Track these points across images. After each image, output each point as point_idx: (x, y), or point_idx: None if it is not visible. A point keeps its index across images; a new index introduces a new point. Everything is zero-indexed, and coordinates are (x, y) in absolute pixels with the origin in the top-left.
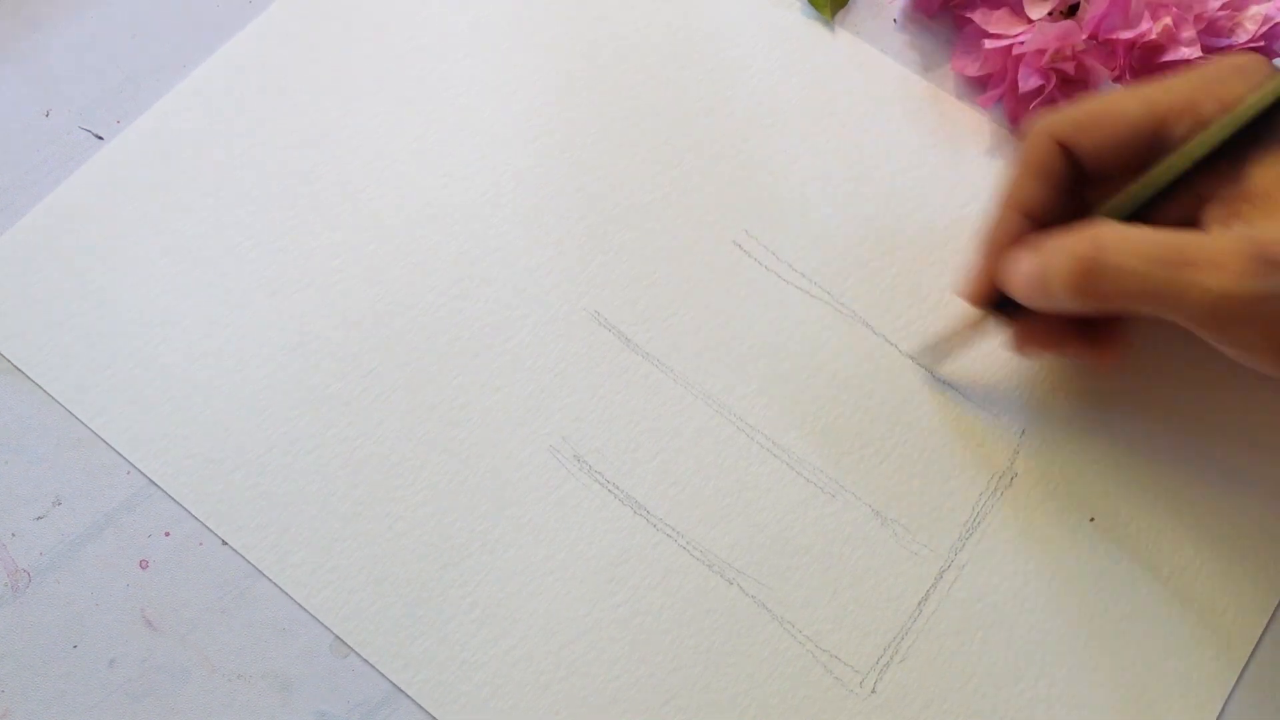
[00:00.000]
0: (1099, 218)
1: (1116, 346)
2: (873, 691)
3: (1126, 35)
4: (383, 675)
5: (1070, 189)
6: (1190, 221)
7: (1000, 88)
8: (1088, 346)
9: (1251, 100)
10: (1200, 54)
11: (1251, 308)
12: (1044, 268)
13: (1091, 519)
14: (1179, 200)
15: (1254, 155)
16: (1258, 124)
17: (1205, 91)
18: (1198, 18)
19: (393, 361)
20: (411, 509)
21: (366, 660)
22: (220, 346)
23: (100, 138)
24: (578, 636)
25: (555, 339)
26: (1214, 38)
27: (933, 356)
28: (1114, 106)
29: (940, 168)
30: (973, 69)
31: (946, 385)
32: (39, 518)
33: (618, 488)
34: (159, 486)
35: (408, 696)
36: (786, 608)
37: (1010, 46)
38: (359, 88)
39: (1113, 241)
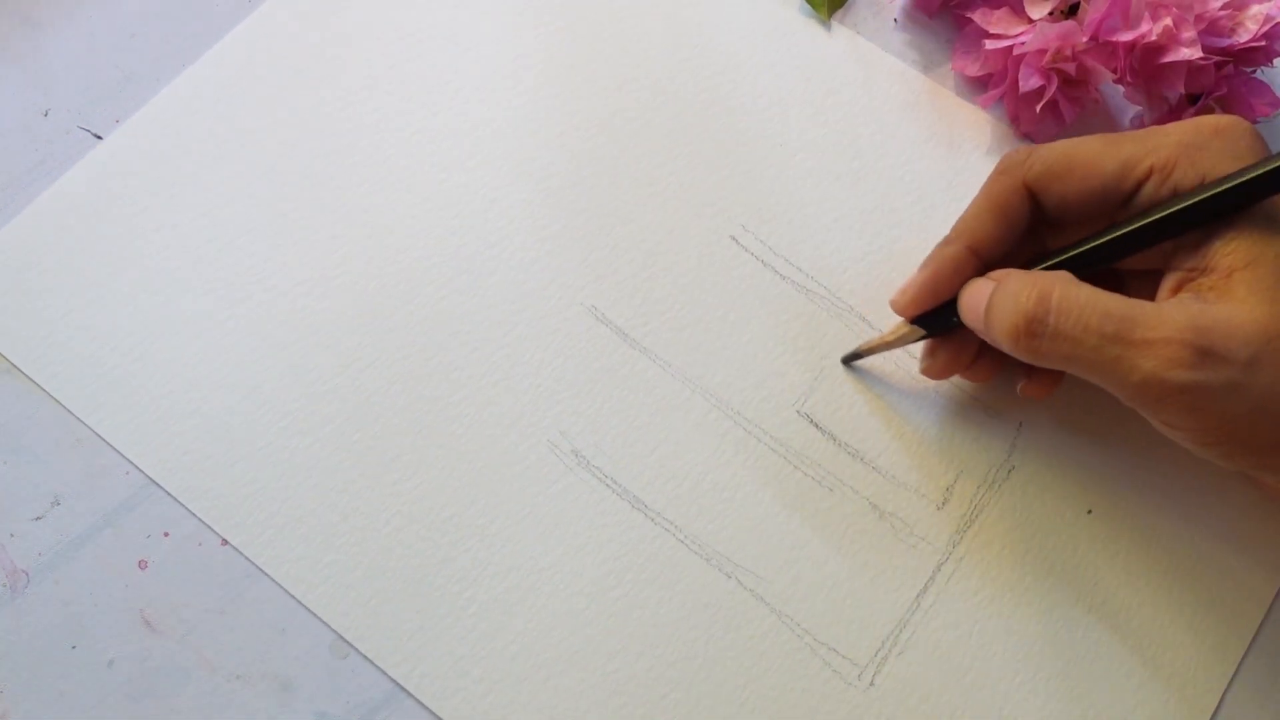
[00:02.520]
0: (1059, 270)
1: (1048, 382)
2: (871, 684)
3: (1127, 36)
4: (382, 674)
5: (1027, 231)
6: (1150, 273)
7: (1001, 88)
8: (1022, 374)
9: (1227, 179)
10: (1201, 54)
11: (1180, 396)
12: (990, 309)
13: (1089, 511)
14: (1142, 255)
15: (1221, 231)
16: (1229, 201)
17: (1184, 156)
18: (1198, 18)
19: (391, 357)
20: (409, 505)
21: (365, 657)
22: (217, 342)
23: (99, 137)
24: (576, 631)
25: (553, 334)
26: (1215, 38)
27: (855, 357)
28: (1088, 156)
29: (938, 163)
30: (973, 69)
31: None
32: (38, 518)
33: (616, 482)
34: (157, 484)
35: (407, 694)
36: (784, 601)
37: (1011, 46)
38: (356, 82)
39: (1061, 303)
